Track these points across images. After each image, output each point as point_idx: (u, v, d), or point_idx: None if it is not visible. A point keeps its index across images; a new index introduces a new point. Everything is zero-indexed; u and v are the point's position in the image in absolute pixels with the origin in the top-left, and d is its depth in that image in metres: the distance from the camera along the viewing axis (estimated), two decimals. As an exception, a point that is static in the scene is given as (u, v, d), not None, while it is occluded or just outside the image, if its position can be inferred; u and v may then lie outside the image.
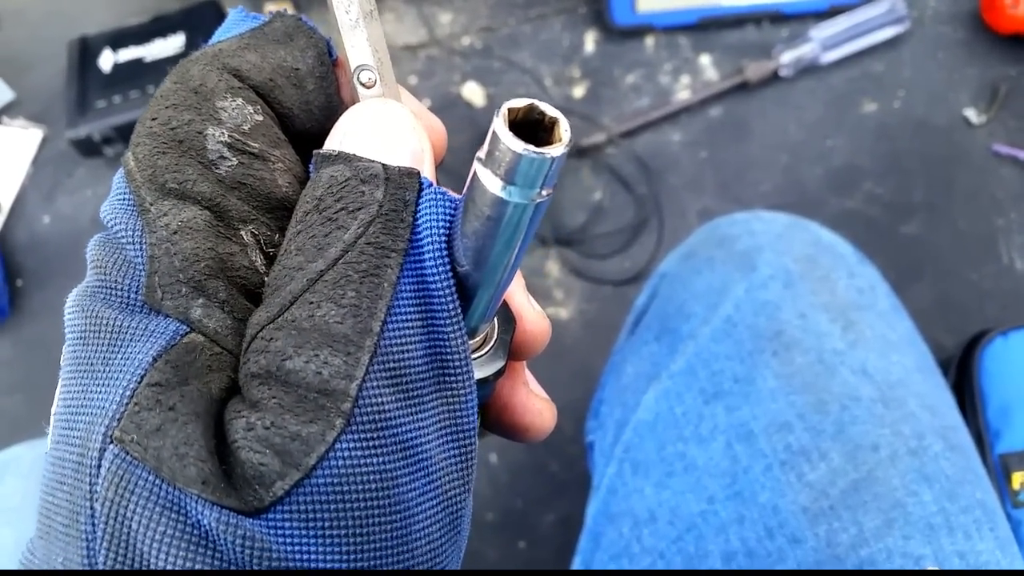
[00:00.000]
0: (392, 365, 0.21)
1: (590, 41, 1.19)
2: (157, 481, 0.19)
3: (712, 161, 1.10)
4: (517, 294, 0.28)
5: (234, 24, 0.27)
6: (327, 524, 0.19)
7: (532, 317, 0.28)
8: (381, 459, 0.20)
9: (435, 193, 0.23)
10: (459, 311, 0.22)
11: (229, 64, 0.25)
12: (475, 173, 0.20)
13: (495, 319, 0.26)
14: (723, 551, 0.51)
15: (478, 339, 0.25)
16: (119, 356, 0.21)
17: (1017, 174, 1.06)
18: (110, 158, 1.17)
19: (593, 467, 0.65)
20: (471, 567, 0.94)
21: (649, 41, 1.18)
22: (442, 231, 0.22)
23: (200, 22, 1.17)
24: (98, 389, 0.21)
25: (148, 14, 1.19)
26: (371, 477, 0.20)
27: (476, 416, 0.23)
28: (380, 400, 0.21)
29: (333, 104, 0.27)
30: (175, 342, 0.21)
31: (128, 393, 0.20)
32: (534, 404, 0.29)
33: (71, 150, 1.15)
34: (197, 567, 0.19)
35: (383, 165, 0.23)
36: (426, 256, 0.22)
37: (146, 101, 1.11)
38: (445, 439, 0.22)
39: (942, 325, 0.97)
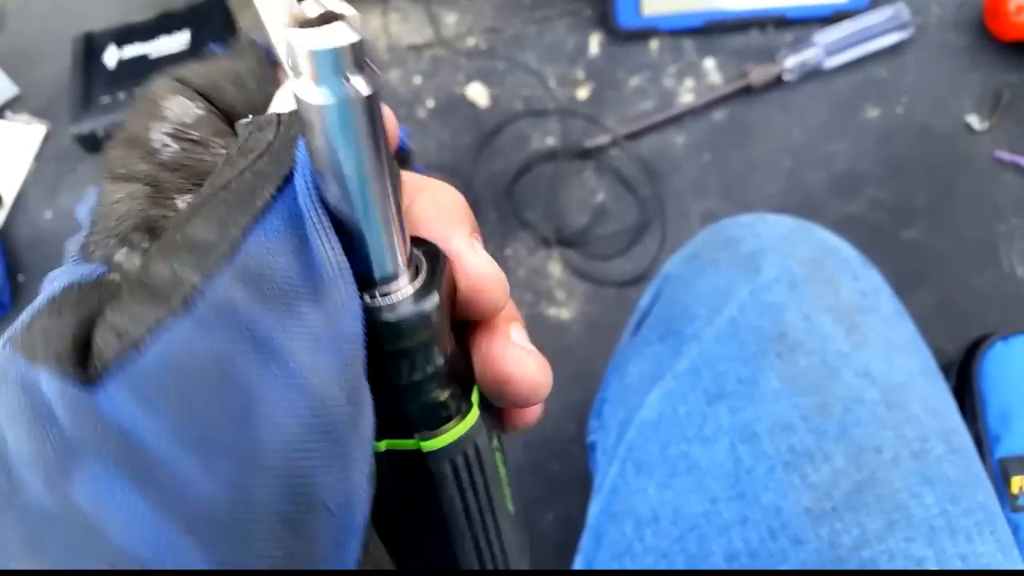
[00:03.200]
0: (252, 269, 0.21)
1: (595, 43, 1.19)
2: (24, 364, 0.20)
3: (715, 164, 1.11)
4: (454, 239, 0.26)
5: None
6: (153, 394, 0.19)
7: (474, 262, 0.26)
8: (221, 343, 0.20)
9: None
10: (328, 226, 0.22)
11: (177, 74, 0.28)
12: (296, 99, 0.20)
13: (419, 257, 0.25)
14: (726, 551, 0.51)
15: (402, 281, 0.24)
16: (43, 292, 0.23)
17: (1019, 181, 1.07)
18: (114, 154, 1.17)
19: (595, 467, 0.65)
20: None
21: (654, 44, 1.18)
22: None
23: (206, 19, 1.17)
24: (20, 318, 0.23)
25: (154, 11, 1.20)
26: (206, 356, 0.20)
27: (359, 325, 0.21)
28: (230, 295, 0.21)
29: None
30: (90, 277, 0.23)
31: (33, 309, 0.22)
32: (512, 352, 0.27)
33: (74, 146, 1.15)
34: (36, 436, 0.19)
35: (278, 114, 0.25)
36: (297, 170, 0.23)
37: (151, 97, 1.12)
38: (321, 345, 0.21)
39: (943, 330, 0.97)
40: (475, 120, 1.15)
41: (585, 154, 1.11)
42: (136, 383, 0.19)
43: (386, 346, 0.24)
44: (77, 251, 0.24)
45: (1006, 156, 1.07)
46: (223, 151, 0.27)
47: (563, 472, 0.96)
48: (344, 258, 0.22)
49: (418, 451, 0.26)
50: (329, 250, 0.22)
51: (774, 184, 1.09)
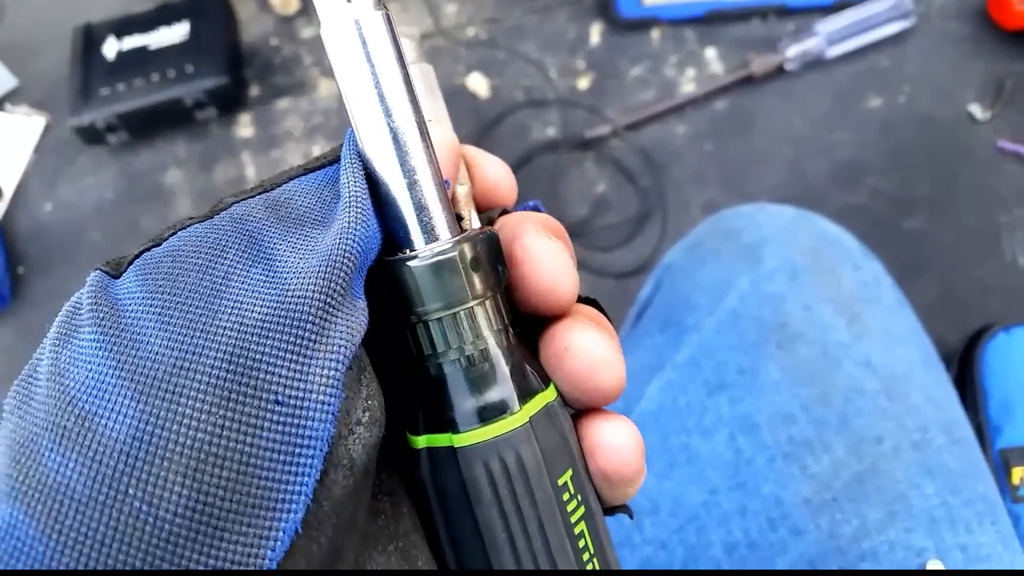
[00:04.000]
0: (278, 201, 0.23)
1: (595, 33, 1.18)
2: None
3: (717, 154, 1.10)
4: (522, 224, 0.26)
5: None
6: (148, 271, 0.21)
7: (534, 241, 0.25)
8: (219, 236, 0.22)
9: None
10: (358, 169, 0.23)
11: None
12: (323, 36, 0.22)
13: (464, 220, 0.26)
14: (725, 542, 0.51)
15: (443, 233, 0.24)
16: None
17: (1021, 170, 1.06)
18: (113, 146, 1.17)
19: (595, 458, 0.65)
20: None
21: (655, 34, 1.17)
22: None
23: (205, 10, 1.16)
24: None
25: (153, 1, 1.19)
26: (201, 244, 0.21)
27: (358, 245, 0.22)
28: (248, 211, 0.22)
29: None
30: None
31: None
32: (575, 324, 0.25)
33: (74, 137, 1.15)
34: (64, 322, 0.21)
35: None
36: (346, 137, 0.24)
37: (150, 89, 1.11)
38: (313, 256, 0.21)
39: (945, 320, 0.97)
40: (475, 110, 1.14)
41: (586, 144, 1.11)
42: (141, 264, 0.21)
43: (413, 302, 0.23)
44: None
45: (1008, 146, 1.06)
46: None
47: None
48: (366, 193, 0.22)
49: (452, 450, 0.24)
50: (353, 184, 0.22)
51: (776, 174, 1.09)
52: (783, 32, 1.15)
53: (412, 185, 0.23)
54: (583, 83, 1.15)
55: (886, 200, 1.06)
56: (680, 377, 0.58)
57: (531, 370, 0.25)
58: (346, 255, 0.21)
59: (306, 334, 0.20)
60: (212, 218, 0.22)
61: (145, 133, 1.16)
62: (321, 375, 0.20)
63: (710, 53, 1.16)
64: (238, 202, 0.23)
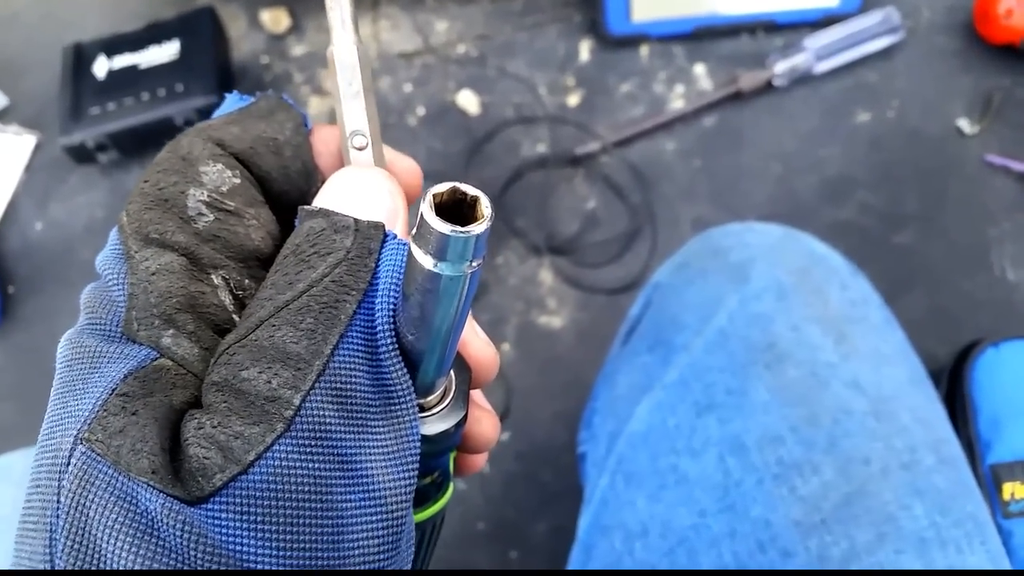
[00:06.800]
0: (338, 386, 0.23)
1: (585, 50, 1.19)
2: (114, 473, 0.21)
3: (706, 170, 1.10)
4: None
5: (229, 105, 0.31)
6: (259, 518, 0.21)
7: (477, 345, 0.29)
8: (317, 466, 0.22)
9: (397, 243, 0.26)
10: (396, 348, 0.24)
11: (214, 135, 0.29)
12: (409, 250, 0.22)
13: (451, 372, 0.28)
14: (715, 565, 0.51)
15: (436, 394, 0.27)
16: (96, 375, 0.24)
17: (1010, 184, 1.07)
18: (104, 165, 1.17)
19: (585, 478, 0.65)
20: (464, 576, 0.93)
21: (644, 50, 1.18)
22: (396, 275, 0.25)
23: (195, 29, 1.17)
24: (75, 403, 0.24)
25: (143, 20, 1.19)
26: (306, 480, 0.22)
27: (419, 444, 0.25)
28: (322, 414, 0.23)
29: (309, 169, 0.31)
30: (145, 364, 0.24)
31: (100, 402, 0.23)
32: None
33: (64, 157, 1.14)
34: (142, 552, 0.21)
35: (355, 219, 0.26)
36: (378, 296, 0.25)
37: (140, 108, 1.11)
38: (391, 462, 0.24)
39: (934, 335, 0.97)
40: (466, 128, 1.14)
41: (576, 161, 1.11)
42: (243, 506, 0.21)
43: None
44: (121, 327, 0.25)
45: (996, 160, 1.07)
46: (255, 222, 0.28)
47: (555, 481, 0.96)
48: (410, 382, 0.25)
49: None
50: (400, 375, 0.25)
51: (765, 190, 1.09)
52: (771, 48, 1.15)
53: (443, 372, 0.27)
54: (573, 100, 1.16)
55: (875, 215, 1.06)
56: (669, 397, 0.58)
57: None
58: (415, 459, 0.24)
59: (407, 543, 0.24)
60: (290, 429, 0.22)
61: (135, 152, 1.16)
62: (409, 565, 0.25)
63: (699, 69, 1.16)
64: (305, 397, 0.23)
